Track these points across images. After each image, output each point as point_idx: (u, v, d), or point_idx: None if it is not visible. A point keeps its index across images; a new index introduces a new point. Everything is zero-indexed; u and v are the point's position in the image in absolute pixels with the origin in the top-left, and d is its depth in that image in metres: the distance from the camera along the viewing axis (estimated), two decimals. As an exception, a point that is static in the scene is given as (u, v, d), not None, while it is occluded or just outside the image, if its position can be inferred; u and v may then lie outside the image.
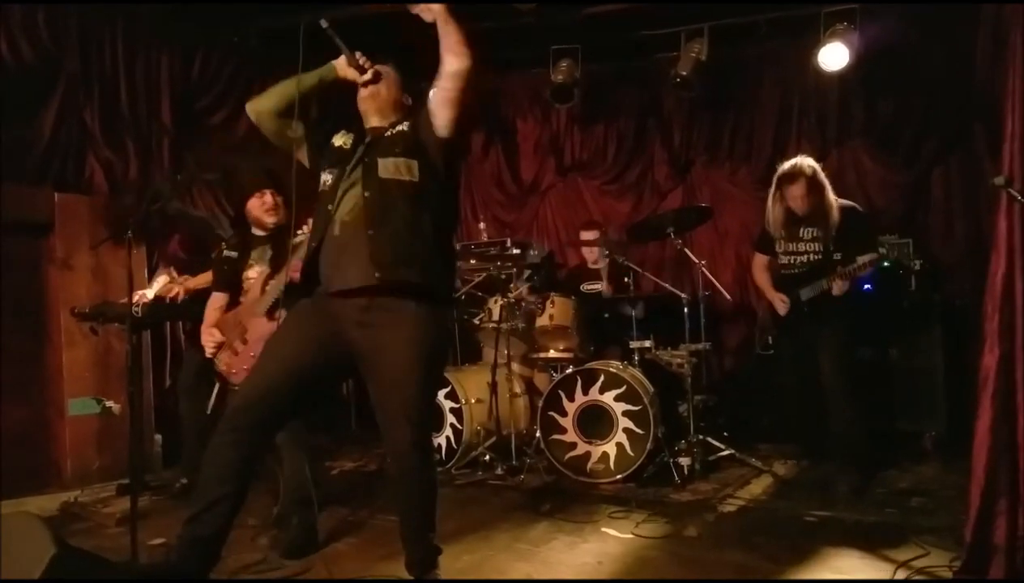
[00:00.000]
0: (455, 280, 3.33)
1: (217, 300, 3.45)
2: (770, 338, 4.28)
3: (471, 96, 2.44)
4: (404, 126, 2.53)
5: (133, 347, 3.05)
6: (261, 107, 2.59)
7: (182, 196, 4.34)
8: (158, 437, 4.68)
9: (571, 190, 6.31)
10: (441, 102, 2.43)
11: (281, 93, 2.57)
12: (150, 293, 3.86)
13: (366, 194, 2.41)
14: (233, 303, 3.40)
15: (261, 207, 3.38)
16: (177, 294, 3.92)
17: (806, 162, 3.85)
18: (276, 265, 3.27)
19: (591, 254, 5.26)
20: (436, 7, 2.36)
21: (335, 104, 2.75)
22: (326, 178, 2.56)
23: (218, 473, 2.34)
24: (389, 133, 2.53)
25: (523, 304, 4.58)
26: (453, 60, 2.35)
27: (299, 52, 2.48)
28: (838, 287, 3.77)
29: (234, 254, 3.48)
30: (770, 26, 5.17)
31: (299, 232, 2.98)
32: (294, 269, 2.67)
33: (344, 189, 2.47)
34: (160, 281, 3.97)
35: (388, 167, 2.43)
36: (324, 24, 2.46)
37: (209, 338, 3.30)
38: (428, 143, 2.48)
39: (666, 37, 5.29)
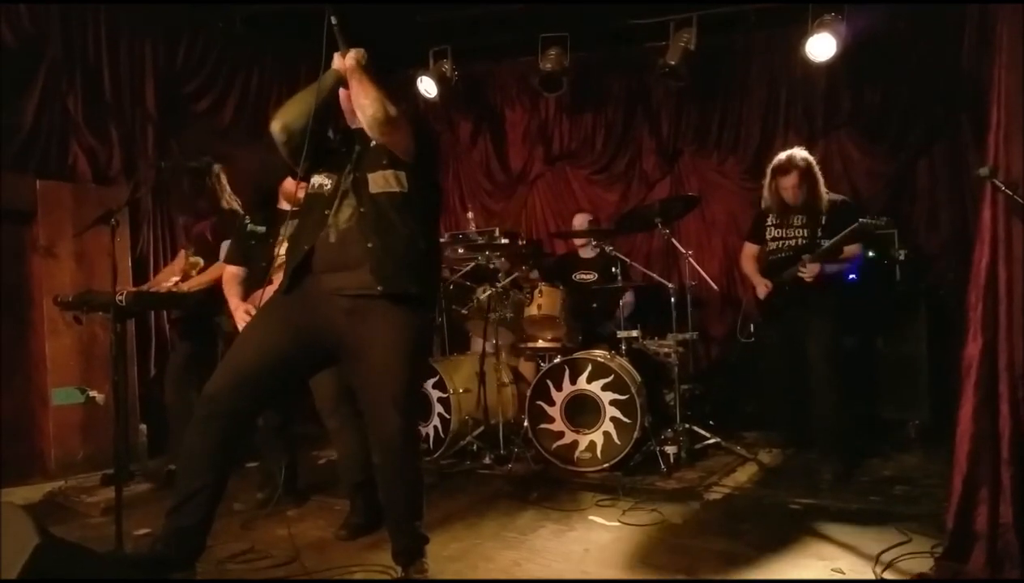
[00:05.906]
0: (439, 282, 3.34)
1: (235, 274, 3.43)
2: (752, 326, 4.30)
3: (401, 127, 2.43)
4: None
5: (117, 336, 3.02)
6: (294, 124, 2.44)
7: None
8: (143, 427, 4.65)
9: (559, 179, 6.30)
10: (380, 141, 2.45)
11: (308, 104, 2.44)
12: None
13: (361, 210, 2.43)
14: (262, 279, 3.22)
15: (296, 185, 3.33)
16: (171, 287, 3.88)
17: (800, 154, 3.87)
18: None
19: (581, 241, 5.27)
20: (350, 58, 2.42)
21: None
22: (322, 182, 2.54)
23: (196, 463, 2.34)
24: (374, 142, 2.51)
25: (511, 294, 4.58)
26: (361, 114, 2.39)
27: (322, 50, 2.46)
28: (809, 271, 3.76)
29: (261, 229, 3.48)
30: (758, 16, 5.18)
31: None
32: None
33: (340, 196, 2.47)
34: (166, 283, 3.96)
35: (377, 181, 2.46)
36: (334, 21, 2.44)
37: (245, 315, 3.20)
38: (402, 161, 2.48)
39: (655, 26, 5.27)
